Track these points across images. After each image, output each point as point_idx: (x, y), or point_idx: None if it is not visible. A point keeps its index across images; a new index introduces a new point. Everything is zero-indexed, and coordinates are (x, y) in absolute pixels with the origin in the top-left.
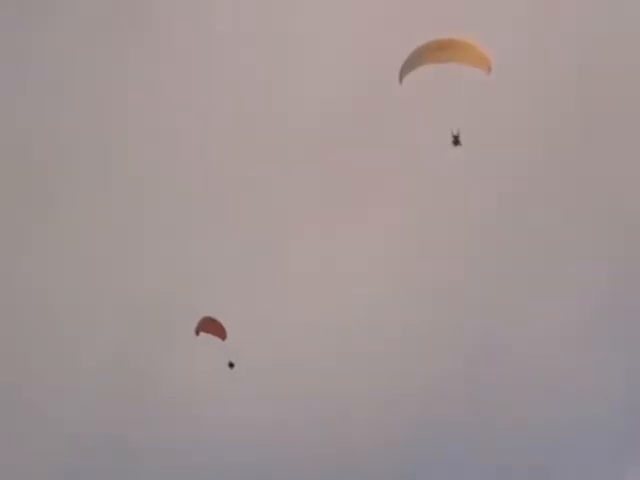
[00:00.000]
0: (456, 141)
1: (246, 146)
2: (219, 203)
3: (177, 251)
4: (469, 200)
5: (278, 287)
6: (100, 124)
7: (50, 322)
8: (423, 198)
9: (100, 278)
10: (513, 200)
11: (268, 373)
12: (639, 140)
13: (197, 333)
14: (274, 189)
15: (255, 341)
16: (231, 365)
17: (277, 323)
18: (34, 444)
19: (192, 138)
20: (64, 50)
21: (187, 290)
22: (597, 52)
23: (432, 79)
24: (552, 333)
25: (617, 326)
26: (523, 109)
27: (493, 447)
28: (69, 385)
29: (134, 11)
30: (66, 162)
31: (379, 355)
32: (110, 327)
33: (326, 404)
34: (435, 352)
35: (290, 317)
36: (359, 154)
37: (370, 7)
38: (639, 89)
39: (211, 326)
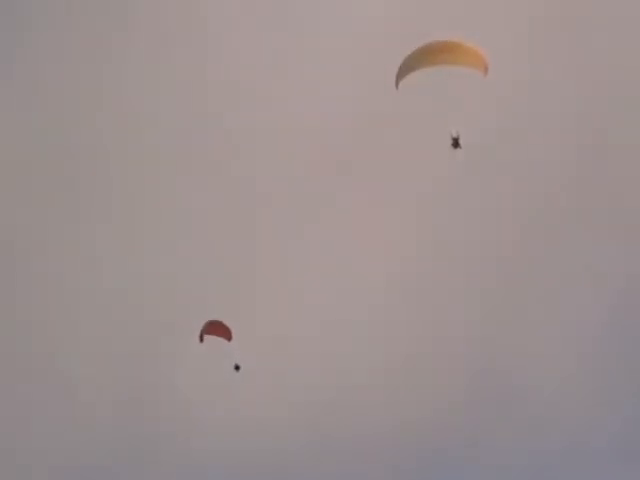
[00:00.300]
0: (456, 144)
1: (247, 154)
2: (221, 207)
3: (179, 254)
4: (470, 205)
5: (282, 287)
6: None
7: (50, 322)
8: (424, 201)
9: (102, 278)
10: (513, 207)
11: (269, 375)
12: None
13: (201, 339)
14: (275, 193)
15: (257, 343)
16: (237, 368)
17: (281, 326)
18: (33, 444)
19: (192, 147)
20: None
21: (190, 291)
22: (597, 55)
23: (428, 82)
24: (552, 361)
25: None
26: (522, 109)
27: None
28: (68, 385)
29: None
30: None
31: (383, 357)
32: (110, 328)
33: (328, 406)
34: (435, 368)
35: (292, 319)
36: (359, 159)
37: (370, 8)
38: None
39: (215, 328)
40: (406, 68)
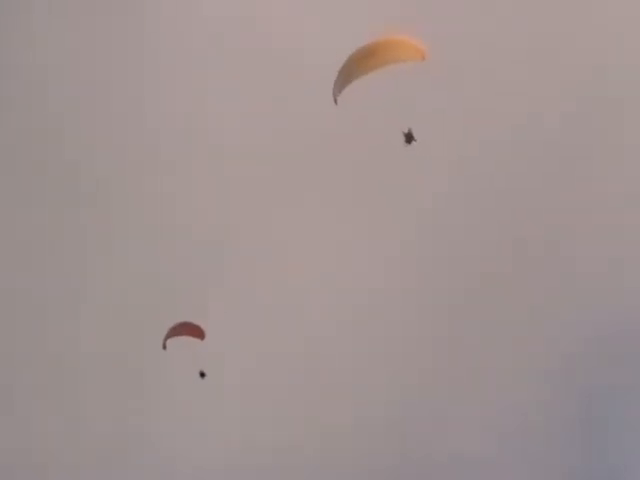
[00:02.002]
0: (409, 139)
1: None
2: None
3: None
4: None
5: (270, 294)
6: None
7: (44, 321)
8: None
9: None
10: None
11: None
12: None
13: (164, 346)
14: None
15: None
16: (202, 375)
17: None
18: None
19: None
20: None
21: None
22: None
23: (366, 88)
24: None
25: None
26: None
27: None
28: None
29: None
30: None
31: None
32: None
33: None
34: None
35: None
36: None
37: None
38: None
39: (183, 329)
40: (342, 82)
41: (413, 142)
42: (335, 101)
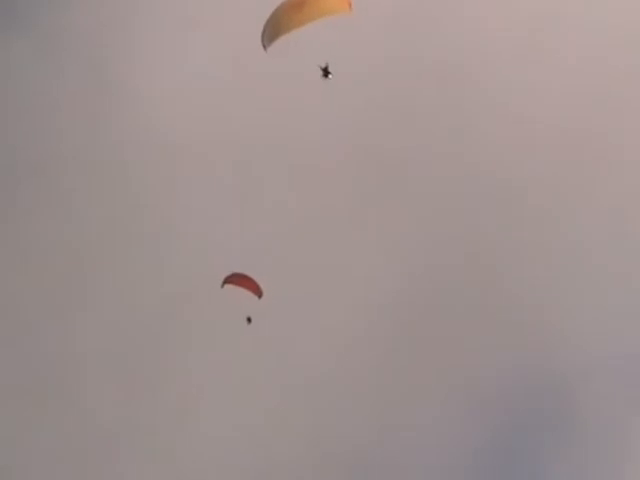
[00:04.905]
0: (326, 73)
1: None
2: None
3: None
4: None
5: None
6: None
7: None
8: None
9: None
10: None
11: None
12: None
13: (222, 285)
14: None
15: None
16: (249, 320)
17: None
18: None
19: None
20: None
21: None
22: None
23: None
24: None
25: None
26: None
27: None
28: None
29: None
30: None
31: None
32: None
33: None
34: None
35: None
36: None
37: None
38: None
39: (244, 281)
40: (271, 32)
41: (330, 76)
42: (264, 48)
